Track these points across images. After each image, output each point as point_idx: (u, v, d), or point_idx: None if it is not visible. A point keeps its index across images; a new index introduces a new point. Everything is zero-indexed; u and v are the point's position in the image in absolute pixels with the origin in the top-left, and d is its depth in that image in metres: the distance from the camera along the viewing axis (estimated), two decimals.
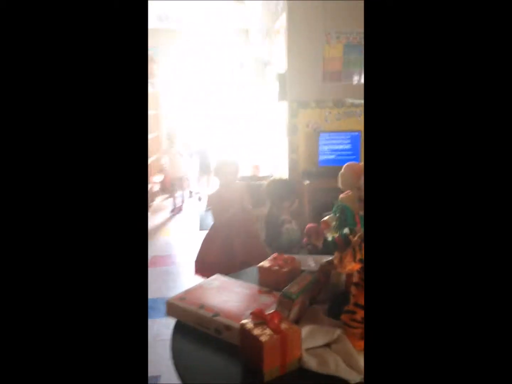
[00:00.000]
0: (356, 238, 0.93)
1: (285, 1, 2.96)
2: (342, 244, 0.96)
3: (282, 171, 3.29)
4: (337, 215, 0.98)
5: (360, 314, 0.90)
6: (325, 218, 1.01)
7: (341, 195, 0.98)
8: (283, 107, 3.14)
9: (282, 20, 3.09)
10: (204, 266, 2.16)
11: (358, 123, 3.02)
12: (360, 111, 3.03)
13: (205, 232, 2.32)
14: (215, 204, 2.21)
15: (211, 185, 5.02)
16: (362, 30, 2.91)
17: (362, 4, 2.55)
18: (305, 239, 1.20)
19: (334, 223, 0.98)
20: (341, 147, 3.03)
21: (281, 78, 3.09)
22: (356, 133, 3.00)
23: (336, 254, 0.94)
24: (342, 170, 0.99)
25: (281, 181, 2.11)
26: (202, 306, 1.04)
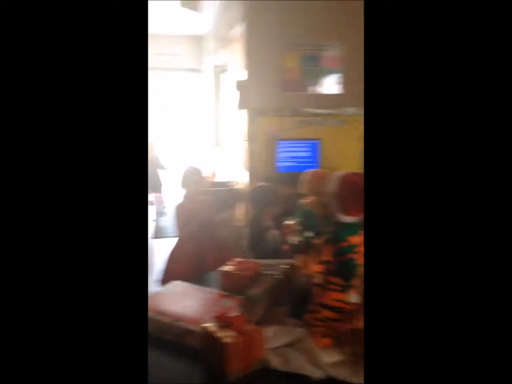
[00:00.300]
0: (318, 241, 0.97)
1: (243, 10, 3.01)
2: (306, 247, 0.99)
3: (241, 178, 3.31)
4: (301, 219, 1.01)
5: (322, 314, 0.93)
6: (288, 222, 1.04)
7: (304, 200, 1.02)
8: (242, 114, 3.17)
9: (240, 29, 3.14)
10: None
11: (317, 131, 3.12)
12: (318, 120, 3.13)
13: (160, 241, 2.27)
14: (179, 217, 2.17)
15: (162, 201, 4.92)
16: (319, 42, 3.01)
17: (319, 16, 2.66)
18: (286, 246, 1.22)
19: (297, 227, 1.01)
20: (300, 154, 3.11)
21: (241, 85, 3.13)
22: (315, 142, 3.09)
23: (299, 256, 0.97)
24: (305, 176, 1.03)
25: (266, 188, 2.13)
26: (162, 313, 1.02)
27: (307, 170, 1.01)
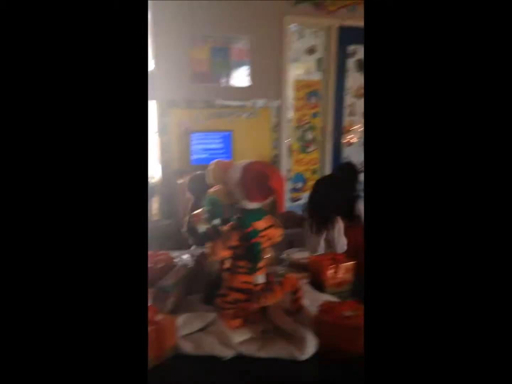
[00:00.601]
0: (226, 227, 1.01)
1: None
2: (214, 234, 1.03)
3: (153, 171, 3.24)
4: (208, 208, 1.05)
5: (231, 296, 0.98)
6: (196, 211, 1.07)
7: (210, 190, 1.05)
8: (152, 105, 3.09)
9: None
10: None
11: (228, 123, 3.17)
12: (229, 112, 3.18)
13: None
14: None
15: None
16: (227, 35, 3.04)
17: (226, 9, 2.69)
18: None
19: (205, 215, 1.04)
20: (213, 146, 3.14)
21: (149, 75, 3.03)
22: (227, 133, 3.14)
23: (209, 244, 1.00)
24: (211, 166, 1.06)
25: (203, 176, 2.11)
26: None
27: (212, 161, 1.04)
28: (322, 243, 1.80)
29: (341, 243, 1.80)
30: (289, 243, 2.19)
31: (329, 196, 1.83)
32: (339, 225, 1.80)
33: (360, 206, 2.14)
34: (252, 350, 0.91)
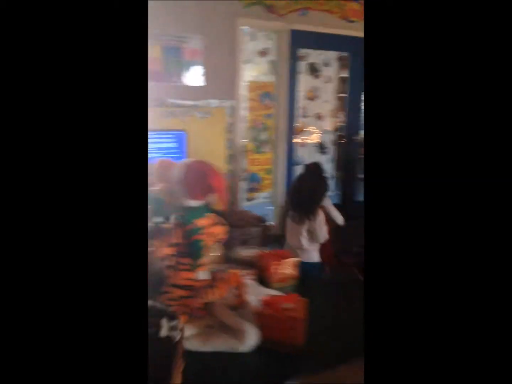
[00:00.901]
0: (168, 225, 1.02)
1: None
2: (156, 232, 1.03)
3: None
4: (150, 206, 1.05)
5: (175, 293, 0.99)
6: None
7: (153, 188, 1.06)
8: None
9: None
10: None
11: (182, 123, 3.15)
12: (183, 111, 3.16)
13: None
14: None
15: None
16: (179, 34, 3.00)
17: (179, 8, 2.65)
18: None
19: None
20: (166, 145, 3.10)
21: None
22: (181, 132, 3.12)
23: (152, 242, 1.01)
24: (155, 165, 1.07)
25: None
26: None
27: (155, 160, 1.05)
28: (304, 233, 1.87)
29: (323, 232, 1.88)
30: (243, 241, 2.23)
31: (310, 189, 1.93)
32: (320, 216, 1.88)
33: (326, 202, 2.23)
34: (196, 345, 0.93)
